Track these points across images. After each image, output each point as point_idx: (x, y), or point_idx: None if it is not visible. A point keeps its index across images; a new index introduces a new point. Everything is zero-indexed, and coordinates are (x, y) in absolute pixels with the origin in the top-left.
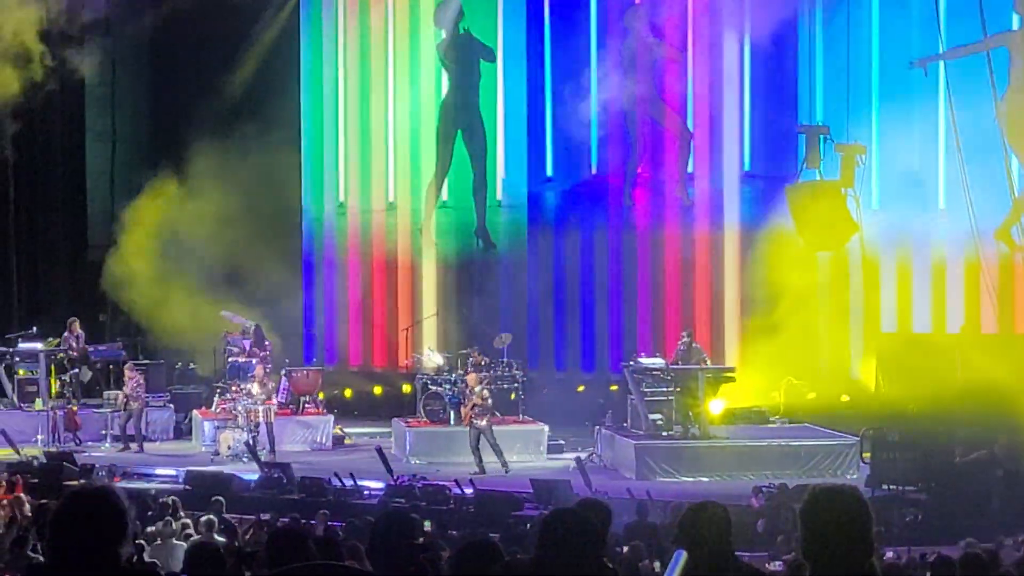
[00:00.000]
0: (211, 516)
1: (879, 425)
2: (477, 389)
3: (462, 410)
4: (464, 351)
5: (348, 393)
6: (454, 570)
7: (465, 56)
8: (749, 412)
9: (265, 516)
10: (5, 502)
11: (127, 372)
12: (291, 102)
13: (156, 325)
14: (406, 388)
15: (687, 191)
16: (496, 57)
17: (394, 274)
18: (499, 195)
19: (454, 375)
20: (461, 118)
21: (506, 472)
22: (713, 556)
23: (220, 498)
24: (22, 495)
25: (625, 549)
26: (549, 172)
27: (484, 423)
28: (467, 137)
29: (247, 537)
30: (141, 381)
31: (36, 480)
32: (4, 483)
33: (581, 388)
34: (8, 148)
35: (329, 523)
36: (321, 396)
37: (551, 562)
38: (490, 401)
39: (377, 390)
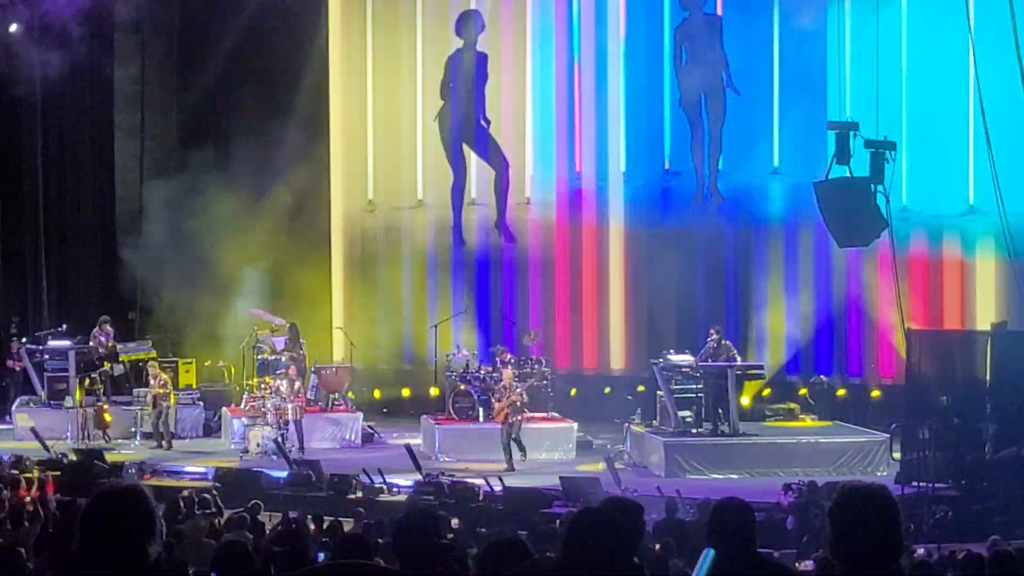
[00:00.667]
0: (242, 513)
1: (909, 422)
2: (513, 385)
3: (496, 406)
4: (492, 348)
5: (377, 394)
6: (481, 569)
7: (476, 74)
8: (778, 409)
9: (293, 513)
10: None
11: (150, 371)
12: (320, 98)
13: (185, 323)
14: (434, 391)
15: (718, 188)
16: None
17: (421, 272)
18: (527, 192)
19: (483, 372)
20: (464, 132)
21: (523, 459)
22: (736, 553)
23: (258, 501)
24: (49, 493)
25: (657, 547)
26: (578, 170)
27: (517, 420)
28: (475, 147)
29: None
30: (165, 379)
31: (65, 477)
32: (36, 480)
33: (607, 390)
34: (38, 146)
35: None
36: (351, 394)
37: (578, 561)
38: (525, 398)
39: (405, 392)
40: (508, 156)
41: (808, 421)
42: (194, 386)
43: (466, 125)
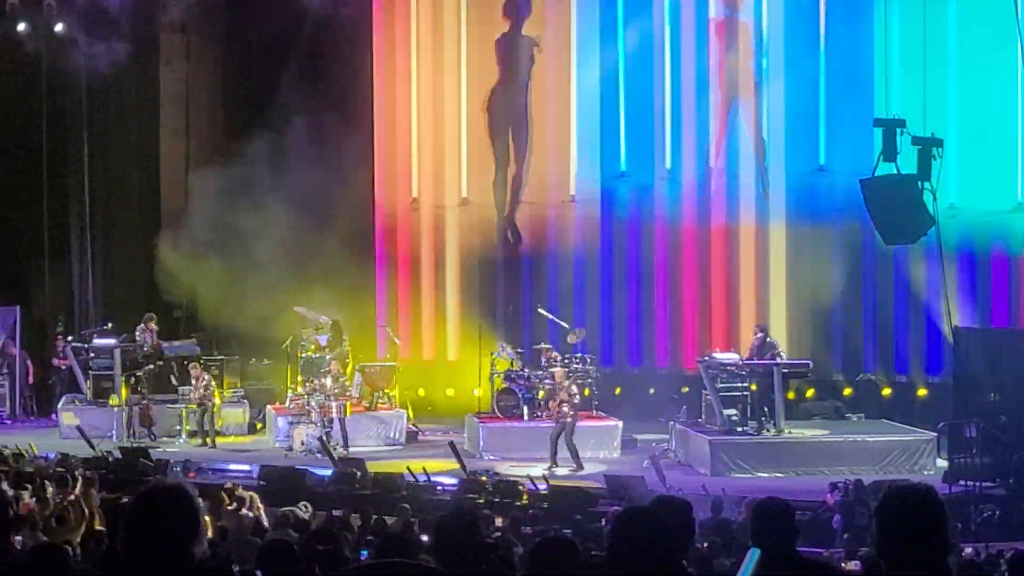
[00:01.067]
0: (286, 510)
1: (956, 421)
2: (565, 384)
3: (551, 404)
4: (537, 347)
5: (421, 392)
6: (528, 568)
7: (520, 55)
8: (825, 407)
9: (338, 512)
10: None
11: (192, 371)
12: (364, 95)
13: (230, 321)
14: (480, 390)
15: (765, 185)
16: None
17: (465, 270)
18: (572, 190)
19: (528, 371)
20: (509, 115)
21: (580, 470)
22: (776, 553)
23: (307, 504)
24: (92, 491)
25: (703, 546)
26: (623, 167)
27: (570, 419)
28: (514, 134)
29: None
30: (209, 379)
31: (110, 476)
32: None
33: (652, 391)
34: (84, 145)
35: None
36: (395, 392)
37: (623, 561)
38: (577, 397)
39: (450, 390)
40: (552, 152)
41: (854, 419)
42: (239, 384)
43: (509, 112)
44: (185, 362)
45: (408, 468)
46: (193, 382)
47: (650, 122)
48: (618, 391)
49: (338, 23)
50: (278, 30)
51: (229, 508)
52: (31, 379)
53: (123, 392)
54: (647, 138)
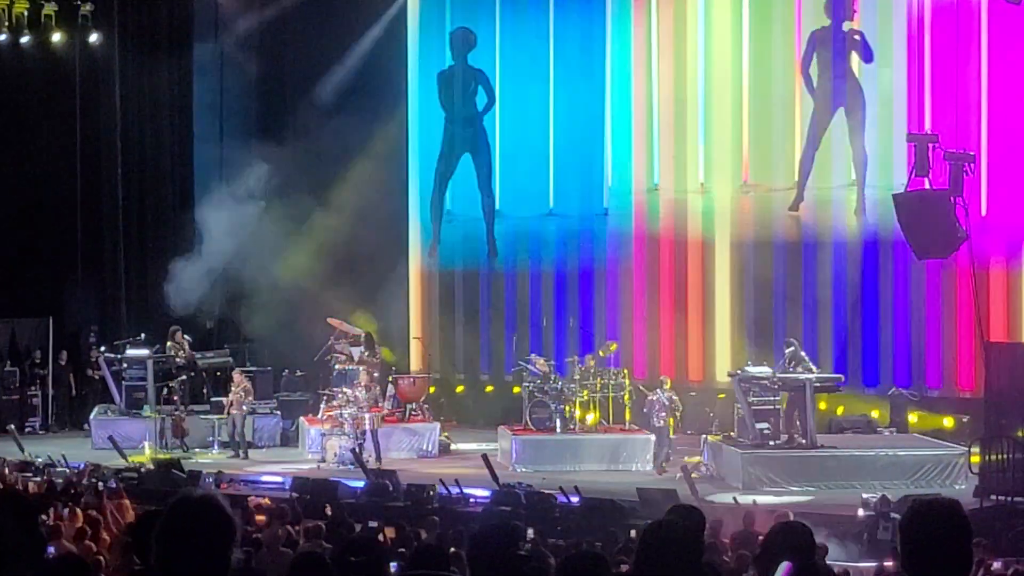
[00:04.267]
0: (318, 523)
1: (988, 435)
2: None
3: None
4: (569, 359)
5: (460, 389)
6: None
7: (468, 83)
8: (856, 421)
9: (373, 523)
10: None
11: (235, 377)
12: (399, 106)
13: (263, 332)
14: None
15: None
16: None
17: (499, 281)
18: (605, 203)
19: (560, 383)
20: (467, 140)
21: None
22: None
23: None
24: (126, 501)
25: (733, 559)
26: (656, 180)
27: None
28: (474, 157)
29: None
30: (248, 386)
31: (143, 487)
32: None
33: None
34: (118, 155)
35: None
36: (427, 400)
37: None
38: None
39: (488, 388)
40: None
41: (886, 433)
42: (271, 395)
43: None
44: (218, 373)
45: (440, 480)
46: (233, 387)
47: (684, 135)
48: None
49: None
50: (310, 35)
51: (260, 519)
52: (73, 391)
53: (156, 402)
54: (680, 151)
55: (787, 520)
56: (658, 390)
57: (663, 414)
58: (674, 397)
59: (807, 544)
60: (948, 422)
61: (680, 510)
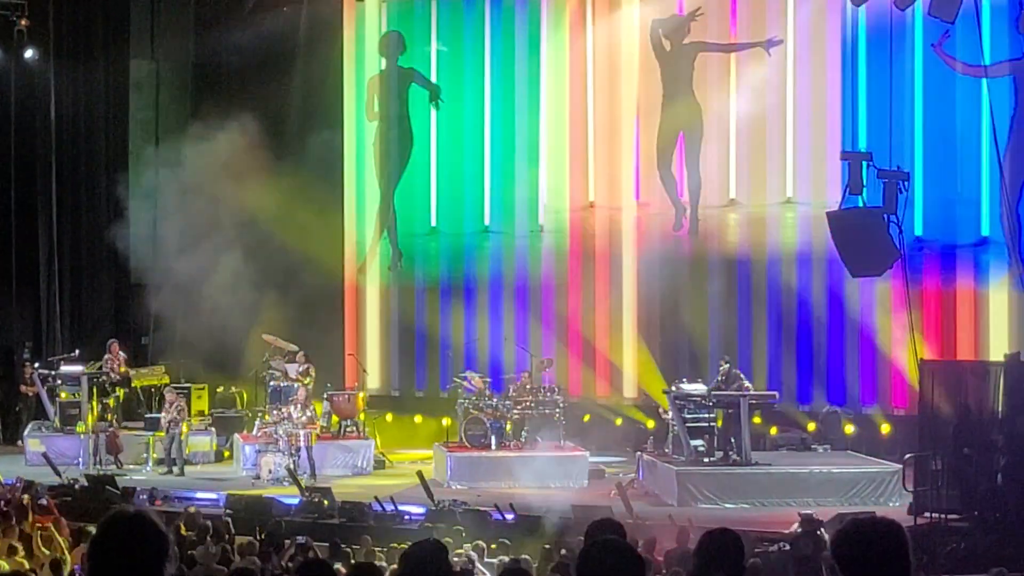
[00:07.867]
0: (251, 539)
1: (921, 453)
2: None
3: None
4: (506, 376)
5: (389, 418)
6: None
7: (402, 87)
8: (790, 438)
9: (301, 539)
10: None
11: (167, 395)
12: (332, 130)
13: (197, 349)
14: (446, 419)
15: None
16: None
17: (435, 297)
18: (541, 219)
19: (495, 400)
20: (403, 147)
21: None
22: None
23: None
24: (62, 519)
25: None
26: (591, 196)
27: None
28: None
29: (287, 561)
30: (182, 405)
31: (76, 503)
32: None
33: (619, 421)
34: (52, 172)
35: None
36: (363, 418)
37: None
38: None
39: (418, 418)
40: (521, 182)
41: (820, 450)
42: (206, 412)
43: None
44: (152, 389)
45: (376, 497)
46: (167, 406)
47: (618, 150)
48: (587, 418)
49: (310, 49)
50: (248, 55)
51: (193, 537)
52: (6, 408)
53: (90, 419)
54: (615, 166)
55: (713, 529)
56: None
57: None
58: None
59: (737, 551)
60: (885, 428)
61: (602, 525)
